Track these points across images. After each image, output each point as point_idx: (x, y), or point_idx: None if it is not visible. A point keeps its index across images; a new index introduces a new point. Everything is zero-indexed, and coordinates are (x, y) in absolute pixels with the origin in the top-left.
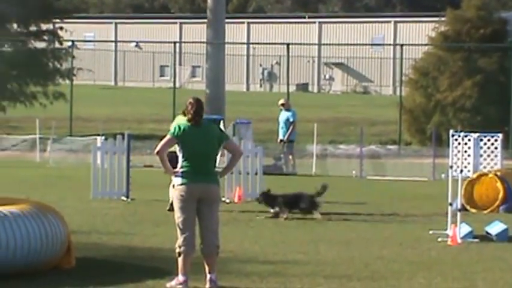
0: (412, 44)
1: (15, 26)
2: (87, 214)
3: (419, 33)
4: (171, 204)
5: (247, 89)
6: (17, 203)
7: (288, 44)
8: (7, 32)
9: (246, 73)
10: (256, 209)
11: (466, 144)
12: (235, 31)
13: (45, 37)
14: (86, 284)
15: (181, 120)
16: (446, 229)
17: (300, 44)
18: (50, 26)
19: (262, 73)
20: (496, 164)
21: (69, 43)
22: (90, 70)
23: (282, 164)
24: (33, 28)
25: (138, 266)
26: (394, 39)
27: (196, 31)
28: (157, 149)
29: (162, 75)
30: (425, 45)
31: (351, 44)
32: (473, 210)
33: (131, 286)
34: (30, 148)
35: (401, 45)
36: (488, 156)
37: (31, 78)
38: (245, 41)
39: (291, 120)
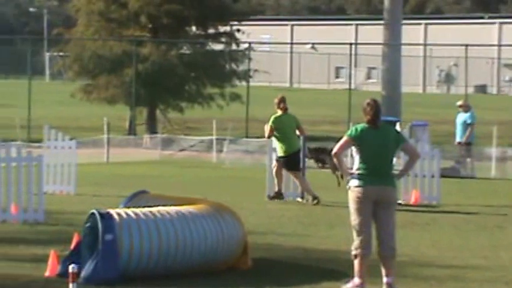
0: None
1: (194, 28)
2: (262, 215)
3: None
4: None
5: (424, 90)
6: (195, 203)
7: (466, 45)
8: (186, 35)
9: (422, 74)
10: (433, 210)
11: None
12: (412, 32)
13: (223, 39)
14: (261, 284)
15: (276, 118)
16: None
17: (479, 45)
18: (228, 28)
19: (439, 74)
20: None
21: (246, 45)
22: (266, 72)
23: (460, 167)
24: (211, 30)
25: (313, 267)
26: None
27: (372, 32)
28: (335, 150)
29: (337, 77)
30: None
31: None
32: None
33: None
34: (207, 149)
35: None
36: None
37: (209, 79)
38: (422, 42)
39: (469, 122)
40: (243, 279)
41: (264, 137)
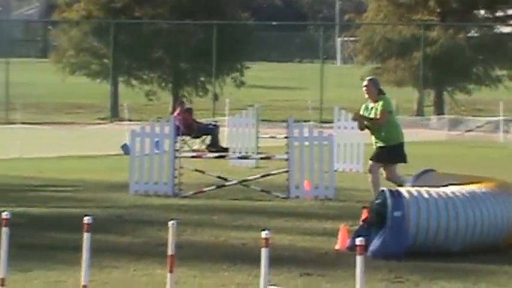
0: None
1: (482, 12)
2: None
3: None
4: None
5: None
6: (482, 182)
7: None
8: (475, 18)
9: None
10: None
11: None
12: None
13: (511, 22)
14: None
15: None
16: None
17: None
18: None
19: None
20: None
21: None
22: None
23: None
24: (499, 13)
25: None
26: None
27: None
28: None
29: None
30: None
31: None
32: None
33: None
34: (494, 129)
35: None
36: None
37: (496, 62)
38: None
39: None
40: None
41: None
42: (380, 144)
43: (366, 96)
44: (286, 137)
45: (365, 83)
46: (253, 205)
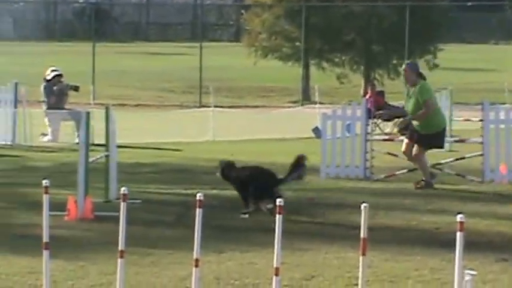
0: None
1: None
2: None
3: None
4: None
5: None
6: None
7: None
8: None
9: None
10: None
11: None
12: None
13: None
14: None
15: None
16: None
17: None
18: None
19: None
20: None
21: None
22: None
23: None
24: None
25: None
26: None
27: None
28: None
29: None
30: None
31: None
32: None
33: None
34: None
35: None
36: None
37: None
38: None
39: None
40: None
41: None
42: (423, 132)
43: (404, 81)
44: (481, 120)
45: (403, 67)
46: (447, 189)
